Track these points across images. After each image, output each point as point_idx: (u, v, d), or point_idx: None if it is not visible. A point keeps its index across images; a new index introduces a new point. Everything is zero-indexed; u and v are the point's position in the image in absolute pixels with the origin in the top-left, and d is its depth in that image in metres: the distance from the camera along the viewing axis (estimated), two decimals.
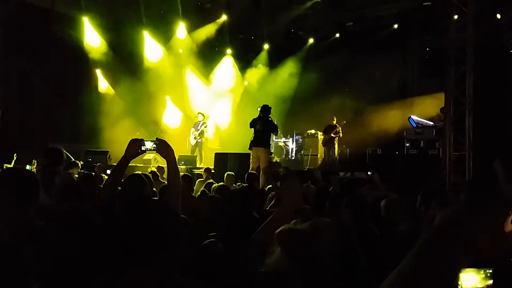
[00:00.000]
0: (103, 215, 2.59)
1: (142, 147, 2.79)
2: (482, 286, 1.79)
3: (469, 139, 8.56)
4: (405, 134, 11.00)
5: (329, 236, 1.49)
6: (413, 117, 11.15)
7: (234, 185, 7.04)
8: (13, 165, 7.79)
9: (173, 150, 2.80)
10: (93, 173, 7.08)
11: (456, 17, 9.06)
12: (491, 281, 1.80)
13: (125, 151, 2.79)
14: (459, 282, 1.73)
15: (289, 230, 1.53)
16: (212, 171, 9.48)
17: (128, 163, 2.85)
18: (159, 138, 2.89)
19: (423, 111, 11.70)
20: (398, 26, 13.52)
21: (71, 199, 3.26)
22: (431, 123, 10.87)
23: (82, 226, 2.36)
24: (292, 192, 2.15)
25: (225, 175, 7.75)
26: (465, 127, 8.66)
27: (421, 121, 10.98)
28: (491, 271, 1.76)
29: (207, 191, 5.23)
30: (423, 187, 4.16)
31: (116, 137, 11.81)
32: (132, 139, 2.83)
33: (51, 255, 1.99)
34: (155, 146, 2.80)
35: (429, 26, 12.70)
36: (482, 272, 1.76)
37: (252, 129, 9.68)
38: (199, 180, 8.06)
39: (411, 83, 14.06)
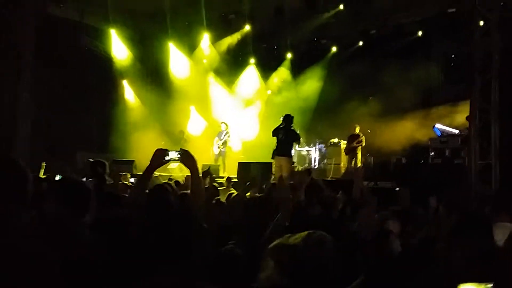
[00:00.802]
0: (129, 223, 2.68)
1: (166, 157, 2.89)
2: None
3: (495, 147, 8.40)
4: (429, 143, 10.86)
5: (322, 251, 1.51)
6: (438, 125, 11.00)
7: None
8: (43, 174, 8.03)
9: (196, 161, 2.89)
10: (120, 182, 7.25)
11: (481, 23, 8.95)
12: None
13: (150, 161, 2.88)
14: None
15: (282, 245, 1.55)
16: (234, 180, 9.57)
17: (153, 173, 2.95)
18: (183, 148, 2.98)
19: (448, 119, 11.53)
20: (422, 33, 13.39)
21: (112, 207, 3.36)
22: (457, 131, 10.70)
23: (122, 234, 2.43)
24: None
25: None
26: (491, 135, 8.51)
27: (446, 129, 10.83)
28: (491, 285, 1.76)
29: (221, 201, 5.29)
30: (446, 197, 4.12)
31: (142, 146, 12.06)
32: (157, 149, 2.92)
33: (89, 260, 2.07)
34: (179, 156, 2.89)
35: (453, 33, 12.53)
36: (483, 286, 1.76)
37: (275, 138, 9.75)
38: (220, 189, 8.16)
39: (436, 91, 13.87)
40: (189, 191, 4.27)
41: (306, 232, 1.62)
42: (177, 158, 2.91)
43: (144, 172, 2.92)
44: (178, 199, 3.77)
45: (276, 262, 1.54)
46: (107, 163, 5.63)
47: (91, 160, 5.71)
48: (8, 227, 1.56)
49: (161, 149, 2.91)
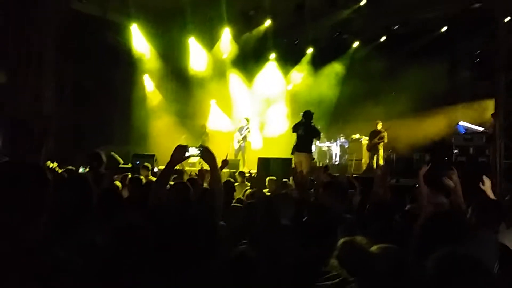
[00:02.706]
0: (150, 220, 2.70)
1: (187, 153, 2.92)
2: None
3: None
4: (453, 140, 10.67)
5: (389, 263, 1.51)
6: (462, 122, 10.81)
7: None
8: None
9: (215, 157, 2.92)
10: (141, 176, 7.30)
11: (507, 19, 8.73)
12: None
13: (171, 156, 2.92)
14: None
15: (354, 246, 1.56)
16: (251, 174, 9.52)
17: (174, 168, 2.99)
18: (203, 144, 3.01)
19: (473, 116, 11.31)
20: (446, 29, 13.14)
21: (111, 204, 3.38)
22: (481, 128, 10.49)
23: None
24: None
25: (267, 179, 7.80)
26: None
27: (471, 127, 10.62)
28: None
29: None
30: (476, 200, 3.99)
31: (163, 140, 12.19)
32: (178, 146, 2.96)
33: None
34: (199, 152, 2.93)
35: (478, 29, 12.27)
36: None
37: (295, 134, 9.73)
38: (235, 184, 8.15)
39: (461, 87, 13.61)
40: (207, 186, 4.30)
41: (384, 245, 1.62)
42: (197, 154, 2.94)
43: (165, 168, 2.96)
44: (198, 196, 3.78)
45: (344, 260, 1.56)
46: (102, 155, 5.60)
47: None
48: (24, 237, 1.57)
49: (182, 145, 2.95)
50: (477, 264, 1.67)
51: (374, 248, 1.57)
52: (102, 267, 2.00)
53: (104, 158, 5.66)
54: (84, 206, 2.46)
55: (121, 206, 3.57)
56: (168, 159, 2.93)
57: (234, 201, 5.05)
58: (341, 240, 1.59)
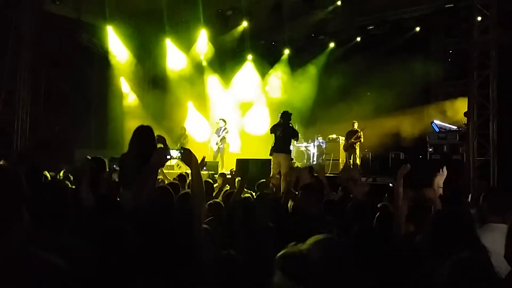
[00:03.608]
0: (128, 225, 2.65)
1: (168, 156, 2.85)
2: None
3: (494, 144, 8.42)
4: (427, 138, 10.88)
5: (331, 254, 1.53)
6: (436, 121, 11.02)
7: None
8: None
9: (197, 159, 2.85)
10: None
11: (479, 19, 8.94)
12: None
13: (151, 161, 2.82)
14: None
15: (289, 254, 1.56)
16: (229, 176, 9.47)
17: (155, 173, 2.90)
18: (183, 147, 2.96)
19: (446, 115, 11.55)
20: (420, 29, 13.36)
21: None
22: (455, 127, 10.72)
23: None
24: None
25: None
26: (489, 132, 8.52)
27: (444, 125, 10.84)
28: None
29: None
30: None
31: None
32: (158, 149, 2.89)
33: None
34: (179, 154, 2.86)
35: (452, 29, 12.54)
36: None
37: (273, 135, 9.74)
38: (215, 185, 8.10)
39: (434, 87, 13.88)
40: (189, 191, 4.26)
41: (313, 238, 1.63)
42: (177, 157, 2.88)
43: (146, 173, 2.86)
44: (180, 201, 3.74)
45: (284, 271, 1.56)
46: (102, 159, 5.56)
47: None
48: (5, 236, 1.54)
49: (162, 148, 2.88)
50: (488, 271, 1.72)
51: (304, 246, 1.57)
52: (81, 273, 1.97)
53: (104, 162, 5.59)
54: (60, 212, 2.42)
55: (116, 211, 3.49)
56: None
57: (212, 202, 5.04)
58: (278, 255, 1.59)
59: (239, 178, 6.95)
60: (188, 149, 2.88)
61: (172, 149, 2.90)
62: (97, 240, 2.13)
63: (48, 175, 6.90)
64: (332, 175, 11.11)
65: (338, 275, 1.56)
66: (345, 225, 3.68)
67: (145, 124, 4.39)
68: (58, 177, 7.20)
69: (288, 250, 1.60)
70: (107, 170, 5.78)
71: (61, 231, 2.33)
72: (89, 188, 3.32)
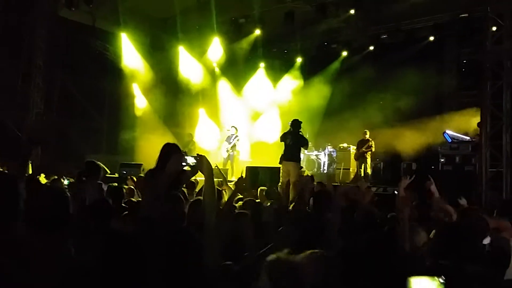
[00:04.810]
0: (139, 231, 2.62)
1: (183, 163, 2.80)
2: None
3: (507, 155, 8.28)
4: (439, 149, 10.71)
5: (315, 270, 1.50)
6: (448, 131, 10.85)
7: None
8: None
9: (212, 168, 2.79)
10: (126, 186, 7.24)
11: (494, 29, 8.84)
12: None
13: (167, 167, 2.79)
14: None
15: (282, 260, 1.54)
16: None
17: (170, 179, 2.84)
18: (200, 154, 2.88)
19: (459, 126, 11.38)
20: (434, 38, 13.25)
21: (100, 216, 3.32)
22: (467, 138, 10.54)
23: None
24: None
25: (259, 190, 7.72)
26: (502, 143, 8.39)
27: (457, 135, 10.67)
28: (443, 280, 1.74)
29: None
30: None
31: (151, 150, 12.06)
32: (174, 155, 2.83)
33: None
34: (195, 161, 2.80)
35: (466, 38, 12.41)
36: (435, 280, 1.75)
37: (283, 143, 9.71)
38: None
39: (447, 97, 13.73)
40: (201, 198, 4.23)
41: (308, 252, 1.60)
42: (193, 164, 2.83)
43: (161, 179, 2.83)
44: (190, 208, 3.70)
45: (271, 278, 1.52)
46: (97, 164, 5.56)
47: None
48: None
49: (179, 155, 2.82)
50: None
51: (299, 257, 1.54)
52: (80, 277, 1.96)
53: (100, 167, 5.61)
54: (60, 217, 2.41)
55: (111, 216, 3.48)
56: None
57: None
58: (268, 258, 1.55)
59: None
60: (204, 157, 2.81)
61: (189, 156, 2.84)
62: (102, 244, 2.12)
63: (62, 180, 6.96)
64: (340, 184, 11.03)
65: None
66: (353, 233, 3.64)
67: (156, 130, 4.39)
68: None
69: (280, 257, 1.58)
70: (102, 174, 5.76)
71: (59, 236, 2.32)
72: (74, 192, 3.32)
